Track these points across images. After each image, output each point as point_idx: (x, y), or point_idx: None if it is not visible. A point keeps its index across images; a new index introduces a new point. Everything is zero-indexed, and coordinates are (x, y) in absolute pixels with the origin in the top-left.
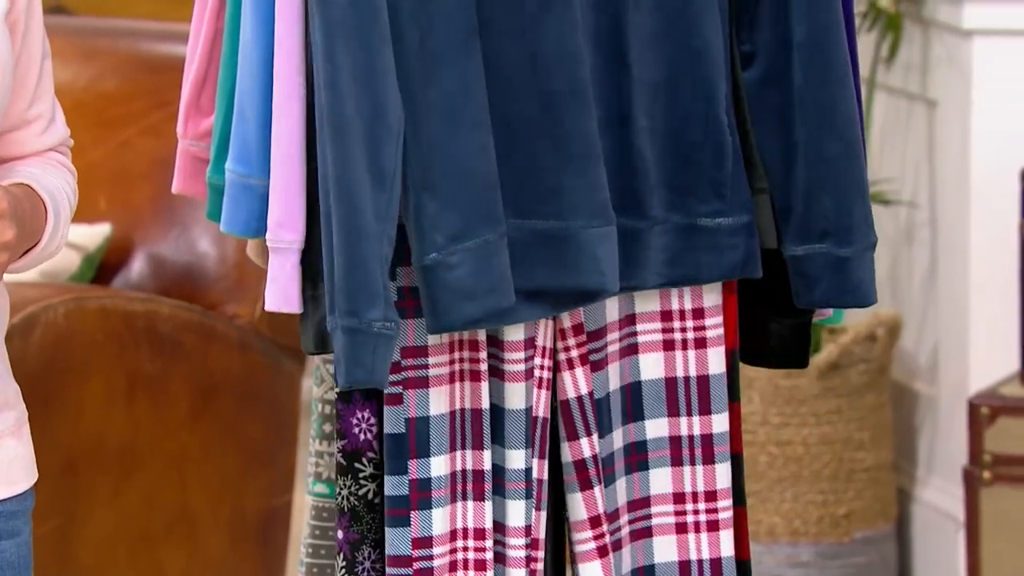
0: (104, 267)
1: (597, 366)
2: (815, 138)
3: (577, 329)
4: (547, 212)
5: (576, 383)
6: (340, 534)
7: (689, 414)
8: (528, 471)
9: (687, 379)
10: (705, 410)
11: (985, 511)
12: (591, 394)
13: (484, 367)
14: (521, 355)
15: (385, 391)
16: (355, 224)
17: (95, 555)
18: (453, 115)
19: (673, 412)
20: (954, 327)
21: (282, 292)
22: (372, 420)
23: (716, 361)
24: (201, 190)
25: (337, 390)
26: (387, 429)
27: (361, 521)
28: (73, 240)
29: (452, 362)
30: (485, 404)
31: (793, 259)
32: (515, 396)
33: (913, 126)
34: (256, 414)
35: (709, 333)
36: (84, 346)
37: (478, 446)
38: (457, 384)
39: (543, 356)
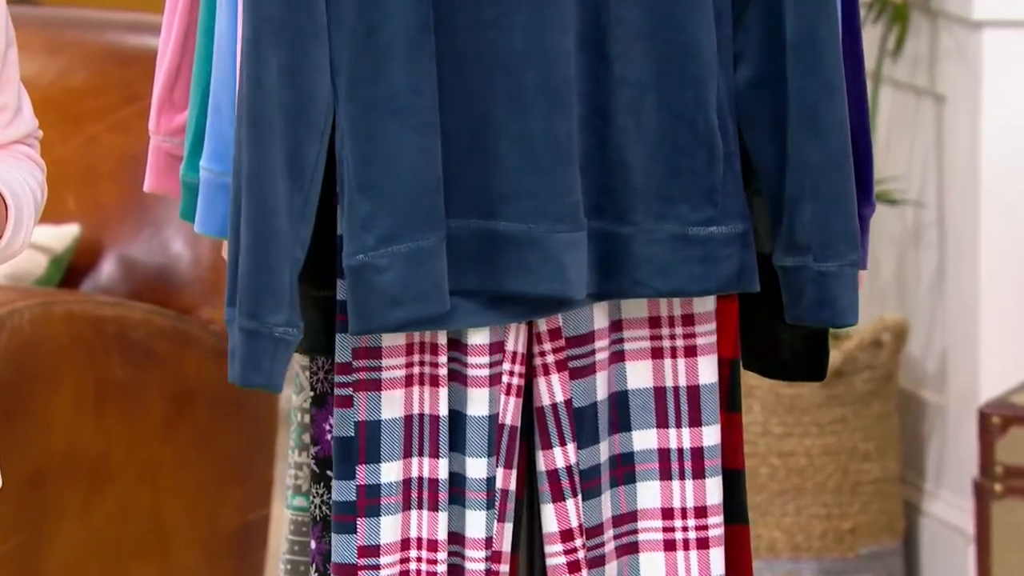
0: (72, 270)
1: (580, 373)
2: (799, 144)
3: (553, 334)
4: (510, 214)
5: (551, 390)
6: (312, 544)
7: (679, 426)
8: (490, 480)
9: (676, 389)
10: (695, 422)
11: (996, 525)
12: (568, 402)
13: (443, 372)
14: (486, 359)
15: (336, 393)
16: (265, 225)
17: (63, 572)
18: (397, 114)
19: (662, 423)
20: (963, 332)
21: None
22: None
23: (707, 370)
24: (174, 188)
25: (311, 395)
26: (335, 432)
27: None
28: (39, 241)
29: (410, 365)
30: (443, 411)
31: (780, 270)
32: (478, 402)
33: (920, 122)
34: (232, 424)
35: (700, 341)
36: (51, 353)
37: (434, 453)
38: (416, 388)
39: (513, 362)
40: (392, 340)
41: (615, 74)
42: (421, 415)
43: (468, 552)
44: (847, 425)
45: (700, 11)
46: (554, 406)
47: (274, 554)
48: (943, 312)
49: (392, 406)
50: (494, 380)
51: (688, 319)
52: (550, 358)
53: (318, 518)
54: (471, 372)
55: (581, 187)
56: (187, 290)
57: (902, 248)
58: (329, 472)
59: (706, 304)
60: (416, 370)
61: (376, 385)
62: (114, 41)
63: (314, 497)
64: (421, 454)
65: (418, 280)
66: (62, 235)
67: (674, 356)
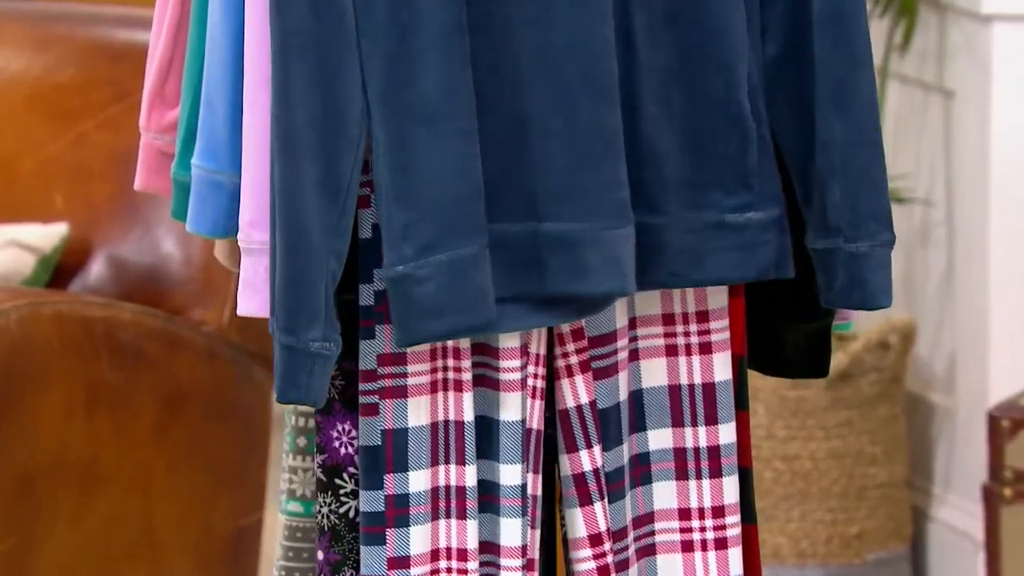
0: (60, 270)
1: (604, 373)
2: (826, 121)
3: (576, 334)
4: (561, 214)
5: (576, 392)
6: (320, 555)
7: (695, 424)
8: (524, 487)
9: (692, 387)
10: (712, 420)
11: (1006, 531)
12: (593, 403)
13: (468, 376)
14: (517, 363)
15: (361, 401)
16: (298, 240)
17: None
18: (431, 121)
19: (678, 422)
20: (972, 333)
21: (256, 296)
22: (353, 433)
23: (722, 367)
24: (165, 187)
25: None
26: (362, 441)
27: (342, 541)
28: (27, 241)
29: (434, 371)
30: (469, 416)
31: (815, 253)
32: (511, 407)
33: (929, 118)
34: (225, 427)
35: (714, 337)
36: (40, 355)
37: (461, 461)
38: (440, 394)
39: (536, 364)
40: (416, 346)
41: (642, 61)
42: (447, 421)
43: (503, 561)
44: (853, 428)
45: None
46: (579, 408)
47: (267, 560)
48: (952, 313)
49: (419, 413)
50: (523, 384)
51: (703, 316)
52: (574, 359)
53: (326, 528)
54: (503, 376)
55: None
56: (178, 290)
57: (910, 247)
58: (337, 480)
59: (720, 300)
60: (440, 376)
61: (402, 392)
62: (104, 36)
63: (321, 506)
64: (448, 461)
65: (461, 289)
66: (50, 234)
67: (689, 353)
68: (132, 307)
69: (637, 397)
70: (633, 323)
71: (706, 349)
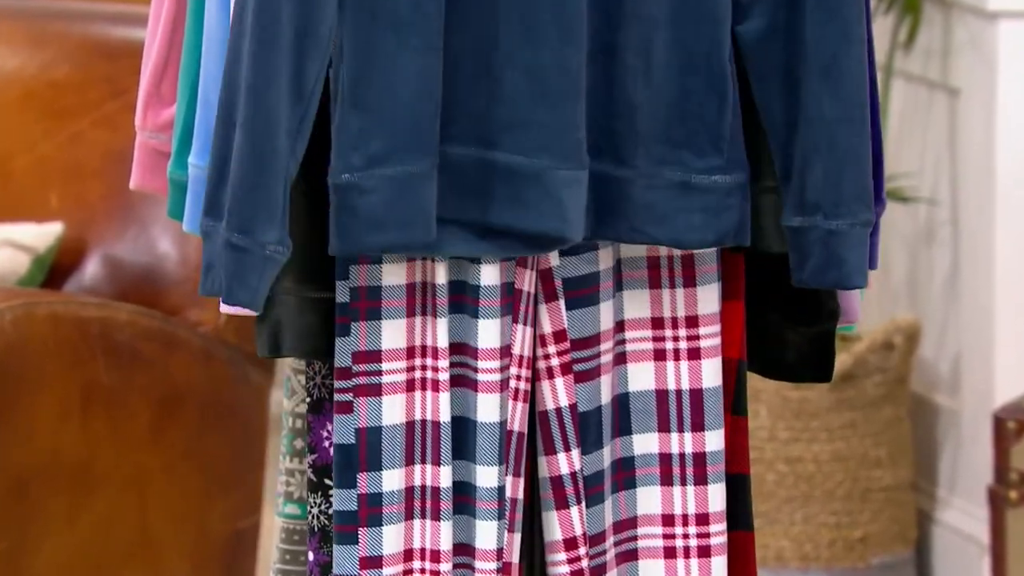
0: (55, 270)
1: (586, 376)
2: (815, 96)
3: (558, 336)
4: (511, 145)
5: (556, 394)
6: (311, 555)
7: (681, 430)
8: (501, 489)
9: (679, 392)
10: (698, 426)
11: (1012, 534)
12: (573, 406)
13: (445, 376)
14: (496, 364)
15: (335, 399)
16: (266, 141)
17: None
18: (398, 31)
19: (664, 427)
20: (978, 334)
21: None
22: None
23: (711, 373)
24: (162, 186)
25: (307, 400)
26: (336, 439)
27: (332, 542)
28: (22, 240)
29: (411, 369)
30: (445, 417)
31: (790, 231)
32: (488, 408)
33: (933, 116)
34: (221, 429)
35: (704, 343)
36: (34, 356)
37: (436, 461)
38: (417, 393)
39: (519, 365)
40: (393, 343)
41: (626, 8)
42: (423, 421)
43: (478, 563)
44: (857, 430)
45: None
46: (558, 410)
47: (264, 563)
48: (957, 313)
49: (393, 411)
50: (503, 385)
51: (692, 321)
52: (555, 361)
53: (316, 528)
54: (482, 377)
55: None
56: (174, 291)
57: (914, 247)
58: (328, 480)
59: (711, 306)
60: (418, 375)
61: (377, 390)
62: (99, 33)
63: (312, 507)
64: (424, 461)
65: (404, 206)
66: (45, 234)
67: (677, 358)
68: (128, 307)
69: (623, 400)
70: (621, 326)
71: (695, 355)
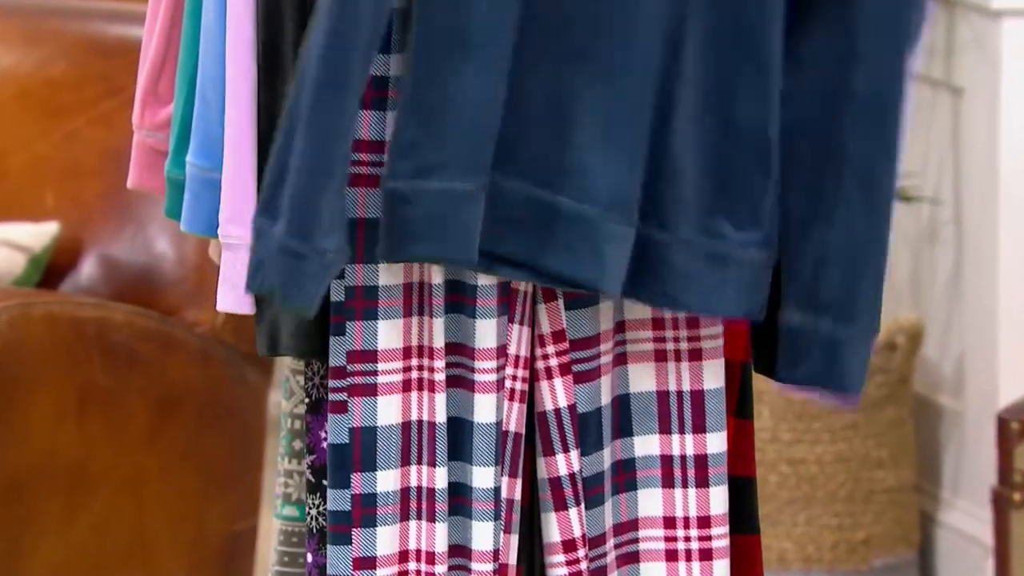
0: (51, 270)
1: (585, 377)
2: (848, 206)
3: (557, 336)
4: (573, 191)
5: (555, 395)
6: (309, 557)
7: (682, 432)
8: (497, 490)
9: (680, 393)
10: (699, 428)
11: (1016, 536)
12: (572, 407)
13: (441, 377)
14: (493, 364)
15: (329, 398)
16: (335, 143)
17: None
18: (467, 54)
19: (665, 429)
20: (981, 334)
21: (233, 292)
22: None
23: (713, 375)
24: (159, 185)
25: (306, 401)
26: (330, 439)
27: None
28: (17, 240)
29: (407, 370)
30: (441, 417)
31: (787, 329)
32: (484, 409)
33: (937, 115)
34: (219, 430)
35: (705, 344)
36: (30, 356)
37: (432, 462)
38: (414, 393)
39: (516, 366)
40: (389, 343)
41: (686, 73)
42: (419, 422)
43: (474, 565)
44: (860, 431)
45: (775, 22)
46: (557, 411)
47: (262, 566)
48: (960, 313)
49: (389, 411)
50: (499, 385)
51: (693, 322)
52: (554, 361)
53: (315, 530)
54: (478, 377)
55: None
56: (172, 291)
57: (917, 247)
58: (325, 482)
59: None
60: (415, 375)
61: (372, 390)
62: (96, 31)
63: (310, 508)
64: (420, 462)
65: (444, 224)
66: (41, 233)
67: (678, 359)
68: (124, 308)
69: (624, 401)
70: (622, 326)
71: (696, 356)
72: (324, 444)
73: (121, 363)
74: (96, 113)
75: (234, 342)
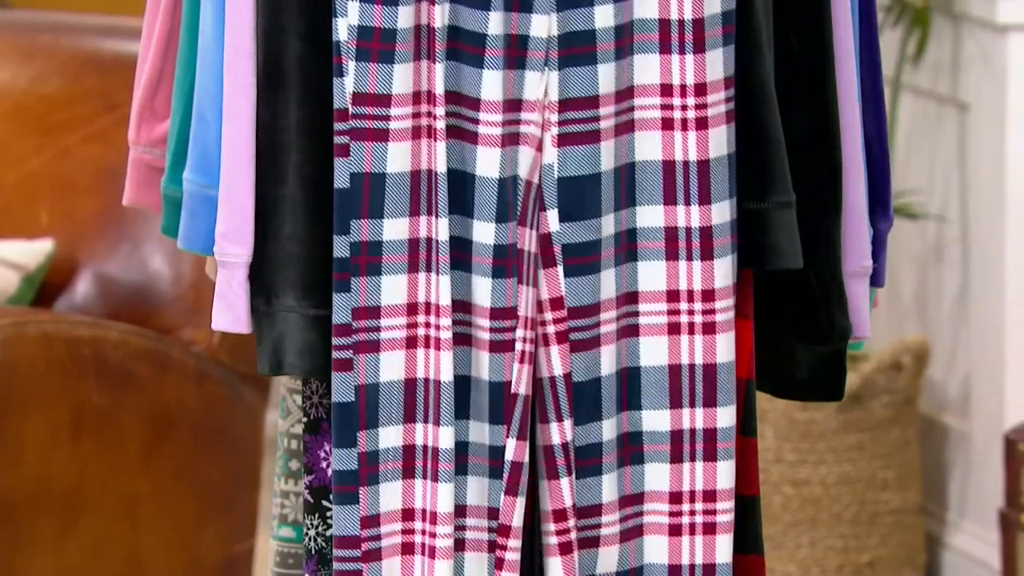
0: (46, 288)
1: (583, 346)
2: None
3: (555, 303)
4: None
5: (550, 362)
6: None
7: (692, 405)
8: (495, 449)
9: (692, 367)
10: (711, 402)
11: (1023, 558)
12: (567, 376)
13: (447, 335)
14: (500, 323)
15: (334, 356)
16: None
17: None
18: None
19: (676, 403)
20: (988, 354)
21: (229, 310)
22: None
23: (725, 348)
24: (155, 202)
25: (304, 421)
26: (335, 398)
27: (329, 564)
28: (11, 258)
29: (412, 326)
30: (447, 376)
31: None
32: (493, 367)
33: (943, 131)
34: (215, 451)
35: (719, 317)
36: (24, 376)
37: (437, 421)
38: (420, 351)
39: (526, 327)
40: (392, 299)
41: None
42: (425, 380)
43: (469, 521)
44: (865, 452)
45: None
46: (552, 379)
47: None
48: (966, 333)
49: (392, 368)
50: (506, 346)
51: (708, 295)
52: (551, 328)
53: (313, 551)
54: (487, 336)
55: None
56: (167, 310)
57: (923, 265)
58: (324, 502)
59: (726, 278)
60: (421, 332)
61: (375, 346)
62: (91, 47)
63: (308, 529)
64: (425, 421)
65: None
66: (35, 251)
67: (692, 332)
68: (120, 327)
69: (632, 375)
70: (635, 297)
71: (710, 329)
72: (323, 464)
73: (116, 383)
74: (91, 130)
75: (230, 362)
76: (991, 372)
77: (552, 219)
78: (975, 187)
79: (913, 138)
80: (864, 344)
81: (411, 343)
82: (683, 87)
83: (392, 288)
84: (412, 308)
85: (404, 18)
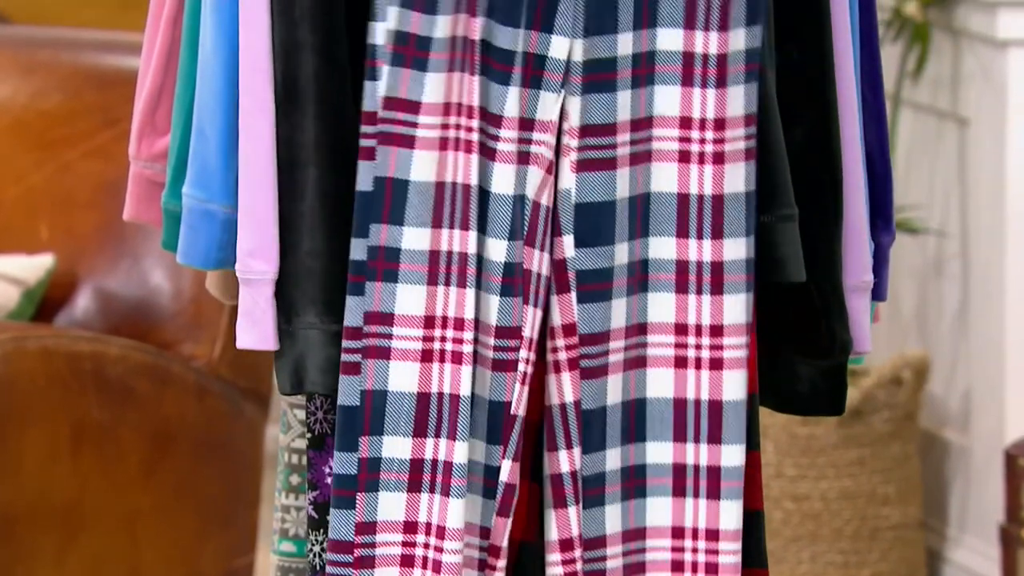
0: (46, 303)
1: (592, 374)
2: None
3: (568, 330)
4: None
5: (561, 389)
6: None
7: (696, 441)
8: (491, 468)
9: (697, 402)
10: (715, 439)
11: None
12: (577, 403)
13: (469, 349)
14: (504, 342)
15: (343, 359)
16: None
17: None
18: None
19: (680, 437)
20: (988, 369)
21: (256, 328)
22: None
23: (733, 386)
24: (156, 217)
25: (308, 436)
26: (340, 400)
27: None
28: (11, 273)
29: (428, 339)
30: (467, 391)
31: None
32: (495, 386)
33: (943, 147)
34: (215, 466)
35: (728, 354)
36: (24, 392)
37: (454, 436)
38: (436, 365)
39: (528, 348)
40: (407, 308)
41: None
42: (440, 394)
43: (468, 539)
44: (865, 467)
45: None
46: (563, 406)
47: None
48: (967, 347)
49: (403, 377)
50: (509, 366)
51: (716, 330)
52: (562, 355)
53: (318, 567)
54: (490, 354)
55: None
56: (168, 324)
57: (923, 280)
58: (330, 517)
59: (738, 315)
60: (436, 346)
61: (386, 353)
62: (91, 62)
63: (312, 545)
64: (438, 435)
65: None
66: (35, 266)
67: (698, 367)
68: (120, 342)
69: (640, 406)
70: (644, 328)
71: (717, 365)
72: (328, 480)
73: (116, 398)
74: (91, 145)
75: (231, 376)
76: (991, 387)
77: (568, 245)
78: (975, 202)
79: (913, 153)
80: (864, 359)
81: (427, 356)
82: (703, 121)
83: (408, 297)
84: (430, 321)
85: (441, 28)
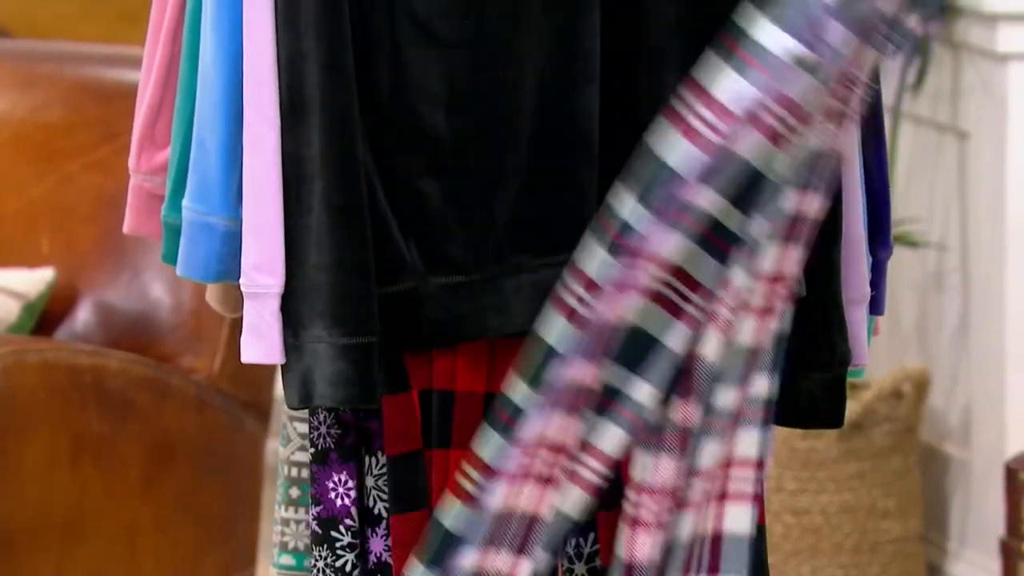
0: (46, 316)
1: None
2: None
3: (641, 485)
4: None
5: (632, 546)
6: None
7: (698, 571)
8: None
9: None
10: (714, 568)
11: None
12: (642, 565)
13: (566, 474)
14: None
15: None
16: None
17: None
18: None
19: (685, 567)
20: (989, 382)
21: (261, 342)
22: (350, 484)
23: (736, 519)
24: (155, 230)
25: (311, 451)
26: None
27: None
28: (12, 286)
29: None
30: (550, 513)
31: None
32: (572, 502)
33: (943, 160)
34: (215, 479)
35: (732, 485)
36: (24, 404)
37: (522, 551)
38: (530, 485)
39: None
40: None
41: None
42: (523, 512)
43: None
44: (865, 481)
45: None
46: (629, 566)
47: None
48: (967, 361)
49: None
50: (595, 490)
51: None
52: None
53: None
54: (582, 472)
55: None
56: (168, 337)
57: (923, 293)
58: (333, 533)
59: (748, 449)
60: (537, 467)
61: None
62: (91, 75)
63: (316, 560)
64: (509, 548)
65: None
66: (36, 280)
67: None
68: (120, 355)
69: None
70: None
71: (720, 495)
72: (332, 495)
73: (116, 411)
74: (91, 158)
75: (231, 389)
76: (992, 400)
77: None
78: (975, 215)
79: (913, 166)
80: (864, 372)
81: (524, 476)
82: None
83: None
84: (540, 443)
85: None
